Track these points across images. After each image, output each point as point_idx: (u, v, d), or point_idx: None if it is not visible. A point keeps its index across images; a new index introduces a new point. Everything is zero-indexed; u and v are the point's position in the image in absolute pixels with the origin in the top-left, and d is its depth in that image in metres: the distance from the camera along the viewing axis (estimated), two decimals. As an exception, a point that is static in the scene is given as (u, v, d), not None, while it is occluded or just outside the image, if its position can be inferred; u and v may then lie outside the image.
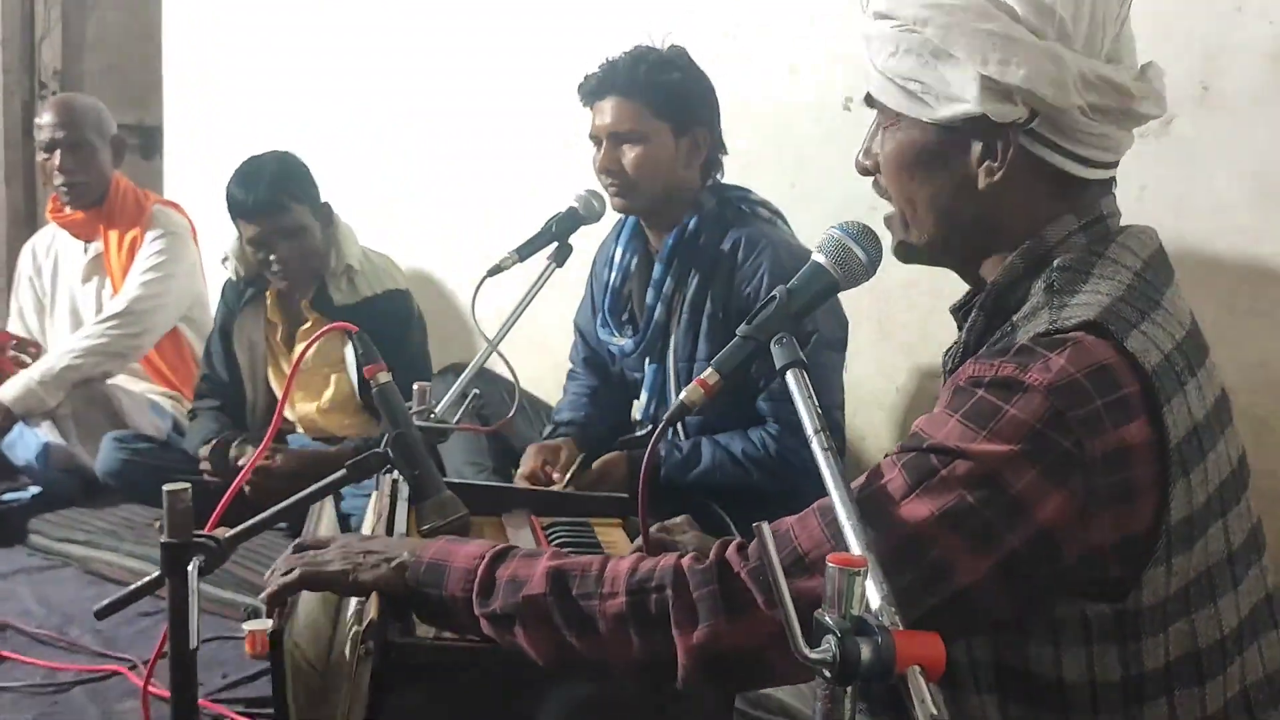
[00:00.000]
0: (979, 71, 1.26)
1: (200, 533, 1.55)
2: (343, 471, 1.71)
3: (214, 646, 2.58)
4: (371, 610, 1.38)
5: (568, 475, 2.58)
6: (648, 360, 2.76)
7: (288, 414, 3.43)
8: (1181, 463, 1.20)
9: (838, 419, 2.69)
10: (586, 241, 2.82)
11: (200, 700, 2.26)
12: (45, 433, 3.45)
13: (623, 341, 2.78)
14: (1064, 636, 1.24)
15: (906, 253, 1.42)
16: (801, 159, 3.13)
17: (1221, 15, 2.62)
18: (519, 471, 2.70)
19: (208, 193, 4.35)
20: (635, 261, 2.80)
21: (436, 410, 2.29)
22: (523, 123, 3.69)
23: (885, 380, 3.12)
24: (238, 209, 3.21)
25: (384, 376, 1.74)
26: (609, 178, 2.63)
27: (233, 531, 1.63)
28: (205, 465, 3.16)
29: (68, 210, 3.79)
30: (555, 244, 2.57)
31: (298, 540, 1.56)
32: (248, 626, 2.64)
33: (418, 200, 4.01)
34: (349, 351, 3.29)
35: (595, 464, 2.59)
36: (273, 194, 3.17)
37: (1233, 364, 2.65)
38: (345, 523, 3.03)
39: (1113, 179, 1.37)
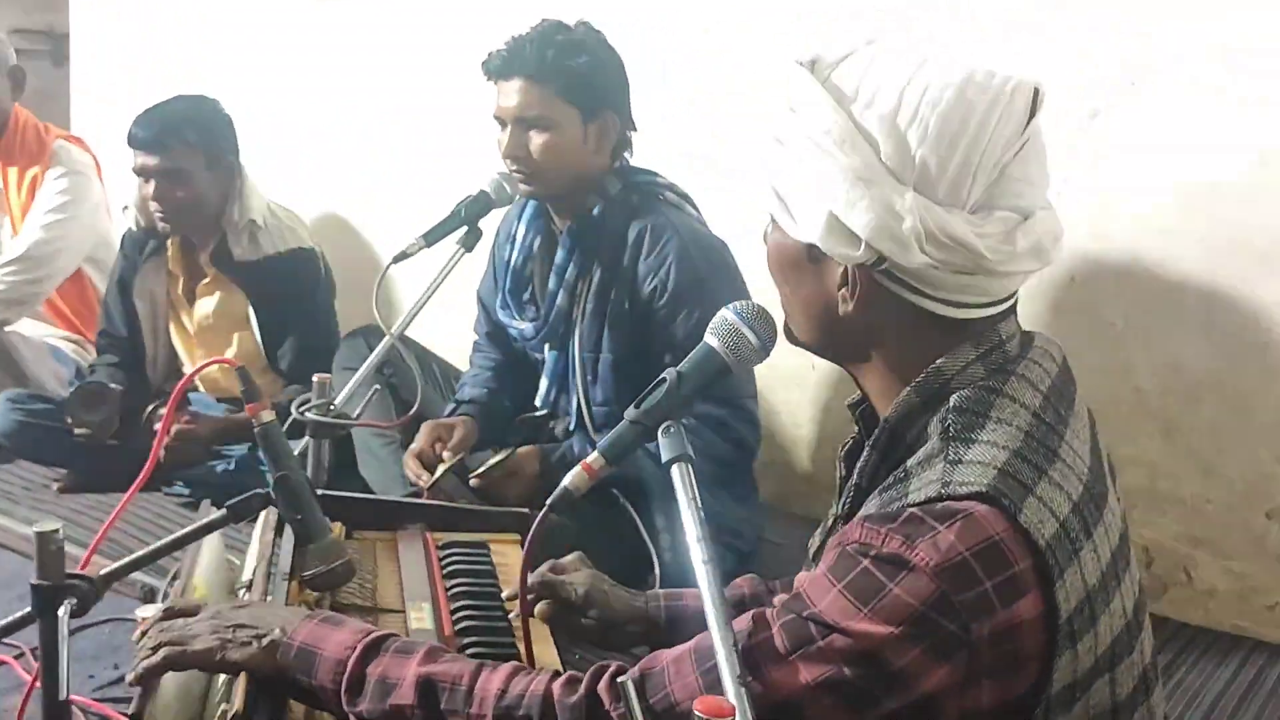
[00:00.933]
0: (828, 208, 1.20)
1: (73, 573, 1.49)
2: (222, 512, 1.65)
3: (107, 631, 2.53)
4: (238, 699, 1.33)
5: (484, 467, 2.53)
6: (548, 346, 2.70)
7: (189, 372, 3.33)
8: (1070, 634, 1.16)
9: (750, 408, 2.65)
10: (494, 222, 2.74)
11: (85, 700, 2.23)
12: (-63, 384, 3.33)
13: (523, 325, 2.72)
14: None
15: (792, 340, 1.38)
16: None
17: (1156, 8, 2.56)
18: (410, 448, 2.63)
19: (115, 102, 4.18)
20: (538, 241, 2.72)
21: (336, 402, 2.23)
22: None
23: (803, 358, 3.06)
24: (130, 138, 3.12)
25: (267, 415, 1.65)
26: (515, 164, 2.54)
27: (107, 569, 1.58)
28: (70, 421, 3.07)
29: (-37, 143, 3.62)
30: (464, 228, 2.48)
31: (166, 605, 1.50)
32: (140, 613, 2.57)
33: (367, 148, 3.82)
34: (253, 310, 3.23)
35: (508, 462, 2.54)
36: (164, 131, 3.08)
37: (1145, 365, 2.67)
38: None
39: (1012, 305, 1.29)
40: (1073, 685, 1.18)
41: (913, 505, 1.16)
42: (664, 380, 1.36)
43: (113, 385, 3.14)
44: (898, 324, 1.26)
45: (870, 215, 1.17)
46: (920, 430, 1.24)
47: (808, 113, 1.23)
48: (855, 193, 1.18)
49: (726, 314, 1.37)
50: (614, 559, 2.08)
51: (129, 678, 1.40)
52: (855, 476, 1.31)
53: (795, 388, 3.13)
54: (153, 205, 3.12)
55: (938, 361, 1.24)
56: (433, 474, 2.52)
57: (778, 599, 1.22)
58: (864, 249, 1.19)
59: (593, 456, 1.37)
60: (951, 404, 1.22)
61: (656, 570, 2.55)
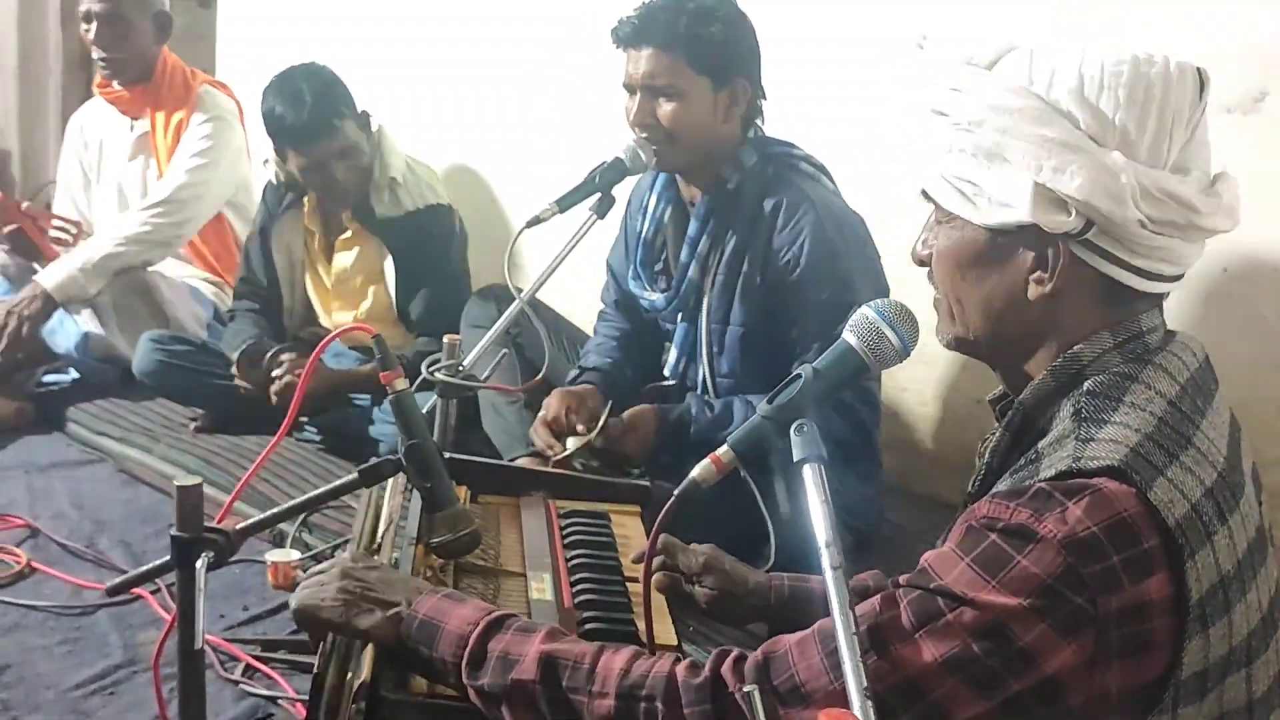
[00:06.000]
0: (1033, 179, 1.20)
1: (210, 527, 1.54)
2: (354, 476, 1.68)
3: (238, 571, 2.61)
4: (365, 669, 1.37)
5: (597, 428, 2.53)
6: (679, 317, 2.68)
7: (324, 323, 3.41)
8: (1201, 618, 1.16)
9: (873, 390, 2.62)
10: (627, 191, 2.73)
11: (215, 638, 2.31)
12: (85, 321, 3.44)
13: (654, 297, 2.70)
14: None
15: (952, 343, 1.38)
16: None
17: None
18: (541, 415, 2.64)
19: (259, 46, 4.25)
20: (668, 212, 2.70)
21: (465, 364, 2.25)
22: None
23: (928, 334, 3.01)
24: (286, 137, 3.13)
25: (400, 384, 1.68)
26: (645, 131, 2.51)
27: (242, 525, 1.63)
28: (238, 378, 3.16)
29: (115, 86, 3.72)
30: (598, 195, 2.48)
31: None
32: (270, 557, 2.64)
33: (490, 112, 3.83)
34: (388, 264, 3.28)
35: (624, 415, 2.54)
36: (321, 115, 3.09)
37: (1295, 365, 2.56)
38: (374, 447, 3.03)
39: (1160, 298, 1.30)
40: (1204, 674, 1.17)
41: (1042, 480, 1.17)
42: (799, 376, 1.35)
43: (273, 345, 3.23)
44: (1076, 307, 1.26)
45: (1082, 178, 1.19)
46: (1053, 414, 1.25)
47: (990, 99, 1.23)
48: (1064, 159, 1.20)
49: (867, 312, 1.35)
50: (730, 528, 2.08)
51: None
52: (987, 456, 1.32)
53: (923, 365, 3.06)
54: (334, 191, 3.18)
55: (1075, 348, 1.26)
56: (563, 443, 2.53)
57: (903, 577, 1.22)
58: (1074, 215, 1.20)
59: (722, 450, 1.37)
60: (1085, 388, 1.24)
61: (772, 543, 2.53)
